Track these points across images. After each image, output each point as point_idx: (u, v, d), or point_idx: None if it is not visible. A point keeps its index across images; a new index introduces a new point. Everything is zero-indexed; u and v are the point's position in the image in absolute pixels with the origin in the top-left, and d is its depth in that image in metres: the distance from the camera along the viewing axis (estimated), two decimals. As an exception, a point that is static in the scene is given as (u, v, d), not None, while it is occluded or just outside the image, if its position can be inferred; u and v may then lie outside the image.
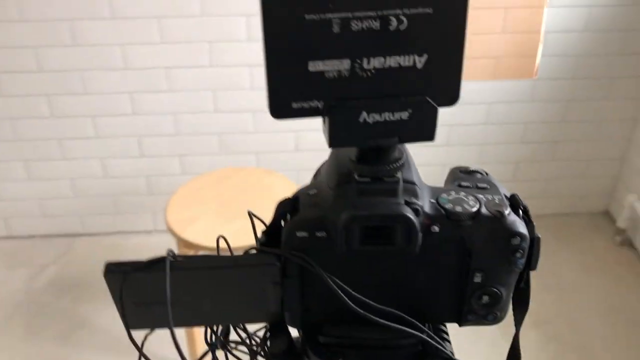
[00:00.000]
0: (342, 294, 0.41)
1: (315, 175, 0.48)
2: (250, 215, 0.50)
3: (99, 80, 2.00)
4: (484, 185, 0.44)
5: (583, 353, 1.78)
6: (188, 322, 0.38)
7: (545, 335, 1.81)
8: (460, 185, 0.43)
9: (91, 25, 1.90)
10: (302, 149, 2.16)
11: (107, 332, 1.85)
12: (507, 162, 2.21)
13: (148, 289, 0.41)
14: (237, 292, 0.43)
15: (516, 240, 0.41)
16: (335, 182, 0.41)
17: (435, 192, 0.42)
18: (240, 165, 2.16)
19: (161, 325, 0.43)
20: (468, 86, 2.06)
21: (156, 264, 0.40)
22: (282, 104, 0.36)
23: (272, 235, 0.43)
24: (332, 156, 0.43)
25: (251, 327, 0.53)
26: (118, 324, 0.44)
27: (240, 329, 0.50)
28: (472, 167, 0.46)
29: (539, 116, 2.14)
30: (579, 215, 2.31)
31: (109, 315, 1.87)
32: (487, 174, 0.45)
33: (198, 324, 0.45)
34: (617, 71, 2.07)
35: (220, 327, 0.49)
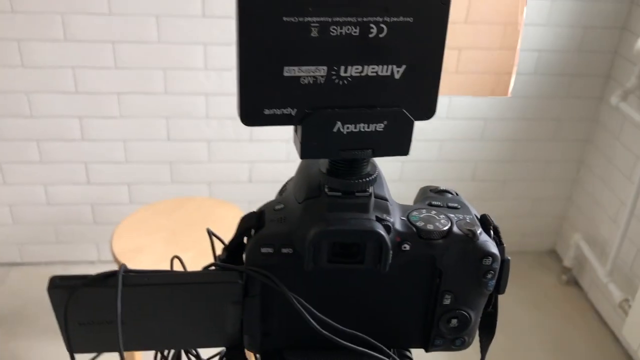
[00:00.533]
0: (307, 315, 0.38)
1: (281, 191, 0.46)
2: (210, 233, 0.48)
3: (47, 103, 1.93)
4: (455, 204, 0.43)
5: (532, 391, 1.78)
6: (139, 345, 0.35)
7: (494, 373, 1.81)
8: (431, 204, 0.42)
9: (41, 46, 1.84)
10: (255, 180, 2.13)
11: (41, 369, 1.74)
12: (458, 200, 2.24)
13: (96, 307, 0.37)
14: (195, 313, 0.40)
15: (488, 261, 0.40)
16: (304, 196, 0.39)
17: (405, 209, 0.41)
18: (192, 195, 2.11)
19: (109, 348, 0.40)
20: (422, 125, 2.10)
21: (107, 278, 0.37)
22: (253, 110, 0.34)
23: (233, 252, 0.41)
24: (300, 169, 0.42)
25: (205, 354, 0.49)
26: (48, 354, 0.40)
27: (193, 355, 0.47)
28: (442, 186, 0.45)
29: (489, 155, 2.19)
30: (526, 253, 2.35)
31: (44, 353, 1.76)
32: (457, 194, 0.45)
33: (150, 347, 0.41)
34: (564, 113, 2.14)
35: (170, 352, 0.46)
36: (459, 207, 0.43)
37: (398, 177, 2.18)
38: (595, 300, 2.09)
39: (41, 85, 1.90)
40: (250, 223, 0.40)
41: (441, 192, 0.44)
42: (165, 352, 0.46)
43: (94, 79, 1.91)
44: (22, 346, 1.80)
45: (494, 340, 1.76)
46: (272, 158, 2.11)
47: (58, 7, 1.79)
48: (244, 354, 0.43)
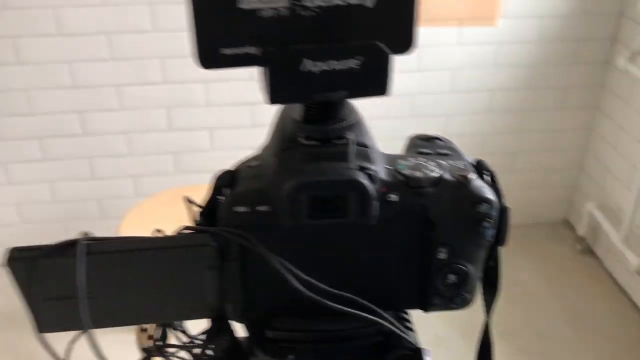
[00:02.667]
0: (289, 276, 0.35)
1: (260, 150, 0.42)
2: (187, 201, 0.45)
3: (46, 99, 1.91)
4: (446, 151, 0.39)
5: (551, 362, 1.75)
6: (110, 321, 0.32)
7: (512, 347, 1.78)
8: (419, 152, 0.39)
9: (36, 41, 1.82)
10: (260, 166, 2.11)
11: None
12: (467, 174, 2.20)
13: (60, 280, 0.34)
14: (169, 282, 0.37)
15: (483, 207, 0.36)
16: (278, 148, 0.36)
17: (391, 158, 0.38)
18: (197, 184, 2.09)
19: (78, 326, 0.37)
20: (425, 99, 2.05)
21: (68, 247, 0.34)
22: (210, 51, 0.31)
23: (209, 215, 0.38)
24: (275, 120, 0.39)
25: (194, 330, 0.47)
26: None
27: (179, 329, 0.44)
28: (432, 133, 0.42)
29: (496, 127, 2.14)
30: (539, 225, 2.31)
31: (57, 350, 1.76)
32: (448, 141, 0.41)
33: (122, 323, 0.38)
34: (570, 80, 2.09)
35: (156, 329, 0.43)
36: (451, 153, 0.39)
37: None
38: (611, 268, 2.05)
39: (38, 82, 1.88)
40: (223, 181, 0.37)
41: (430, 139, 0.41)
42: (151, 331, 0.44)
43: (90, 72, 1.88)
44: (36, 343, 1.80)
45: (512, 315, 1.74)
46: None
47: (50, 1, 1.77)
48: (229, 325, 0.40)
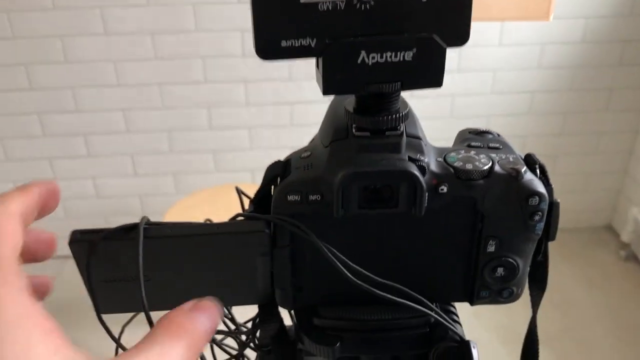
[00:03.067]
0: (338, 264, 0.36)
1: (311, 142, 0.43)
2: (238, 191, 0.46)
3: (91, 98, 1.97)
4: (497, 145, 0.39)
5: (592, 370, 1.71)
6: (165, 304, 0.33)
7: (553, 353, 1.75)
8: (470, 146, 0.39)
9: (83, 41, 1.87)
10: (298, 166, 2.12)
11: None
12: (507, 177, 2.17)
13: (119, 262, 0.36)
14: (221, 267, 0.38)
15: (534, 201, 0.36)
16: (330, 139, 0.36)
17: (442, 151, 0.38)
18: (236, 182, 2.11)
19: (136, 308, 0.38)
20: (466, 100, 2.03)
21: (129, 231, 0.35)
22: (270, 43, 0.32)
23: (261, 204, 0.39)
24: (328, 112, 0.39)
25: (240, 318, 0.48)
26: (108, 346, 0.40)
27: (227, 317, 0.45)
28: (483, 127, 0.42)
29: (538, 129, 2.11)
30: (582, 230, 2.26)
31: (101, 344, 1.80)
32: (498, 135, 0.41)
33: (177, 306, 0.40)
34: (616, 82, 2.04)
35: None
36: (501, 147, 0.39)
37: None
38: (657, 276, 2.00)
39: (84, 80, 1.94)
40: (276, 171, 0.38)
41: (481, 133, 0.41)
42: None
43: (135, 71, 1.93)
44: (80, 337, 1.85)
45: (553, 321, 1.70)
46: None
47: (97, 1, 1.82)
48: (278, 311, 0.41)
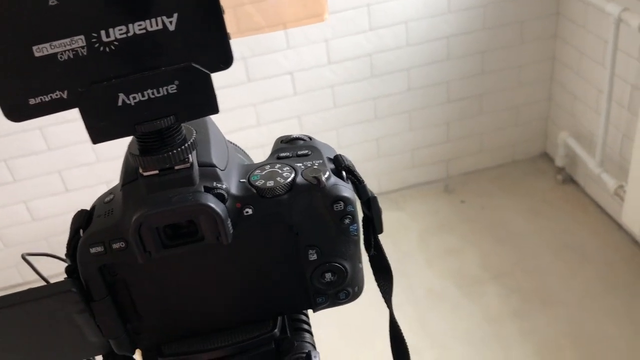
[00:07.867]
0: (156, 306, 0.35)
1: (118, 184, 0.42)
2: (25, 259, 0.43)
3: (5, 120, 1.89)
4: (305, 151, 0.39)
5: (546, 296, 1.77)
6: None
7: (505, 288, 1.79)
8: (279, 157, 0.38)
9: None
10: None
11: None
12: (438, 124, 2.19)
13: None
14: (48, 331, 0.36)
15: (339, 206, 0.36)
16: (122, 182, 0.35)
17: (247, 170, 0.37)
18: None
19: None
20: (386, 56, 2.03)
21: None
22: (17, 104, 0.30)
23: (74, 257, 0.37)
24: (126, 152, 0.38)
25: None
26: None
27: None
28: (295, 134, 0.41)
29: (459, 72, 2.12)
30: (519, 162, 2.30)
31: None
32: (310, 138, 0.40)
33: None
34: (526, 14, 2.06)
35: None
36: (310, 153, 0.39)
37: (373, 116, 2.13)
38: (592, 193, 2.05)
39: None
40: (79, 222, 0.37)
41: (292, 140, 0.40)
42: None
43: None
44: None
45: (502, 257, 1.72)
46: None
47: None
48: (121, 358, 0.40)
